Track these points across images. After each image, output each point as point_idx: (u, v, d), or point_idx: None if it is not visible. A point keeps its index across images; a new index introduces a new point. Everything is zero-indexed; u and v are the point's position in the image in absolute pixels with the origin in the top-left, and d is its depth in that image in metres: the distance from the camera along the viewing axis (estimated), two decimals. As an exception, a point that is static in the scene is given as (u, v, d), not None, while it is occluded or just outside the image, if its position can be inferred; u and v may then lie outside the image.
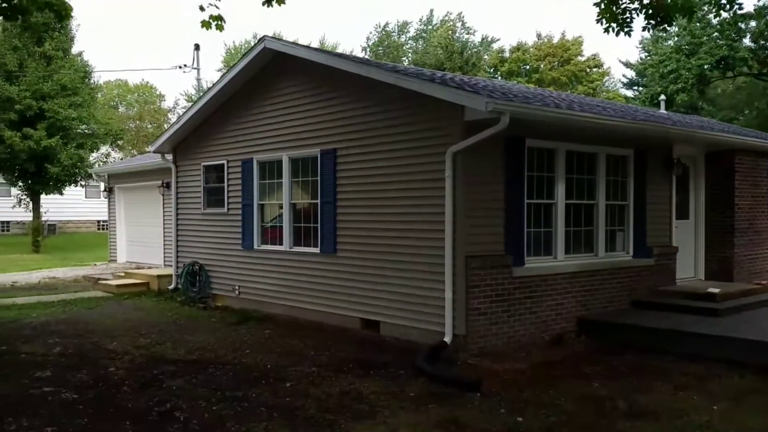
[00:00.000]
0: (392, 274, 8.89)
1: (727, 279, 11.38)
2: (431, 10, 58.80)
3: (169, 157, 13.49)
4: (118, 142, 29.39)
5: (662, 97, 16.68)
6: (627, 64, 41.97)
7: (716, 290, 9.84)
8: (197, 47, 29.19)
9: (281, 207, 10.75)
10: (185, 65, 28.00)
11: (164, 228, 16.84)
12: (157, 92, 52.47)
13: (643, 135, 9.74)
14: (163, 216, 16.83)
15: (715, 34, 24.01)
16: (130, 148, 38.54)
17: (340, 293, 9.69)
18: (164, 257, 16.87)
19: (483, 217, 8.22)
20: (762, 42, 23.11)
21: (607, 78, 44.98)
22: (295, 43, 9.92)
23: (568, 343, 8.66)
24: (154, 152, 13.62)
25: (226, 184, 11.93)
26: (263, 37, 10.44)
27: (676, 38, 42.08)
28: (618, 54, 73.00)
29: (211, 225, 12.39)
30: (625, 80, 40.90)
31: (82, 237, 30.89)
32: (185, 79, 78.07)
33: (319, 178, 9.98)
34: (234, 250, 11.76)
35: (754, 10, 23.34)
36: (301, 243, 10.48)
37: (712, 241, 11.67)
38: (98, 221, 33.42)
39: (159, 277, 13.51)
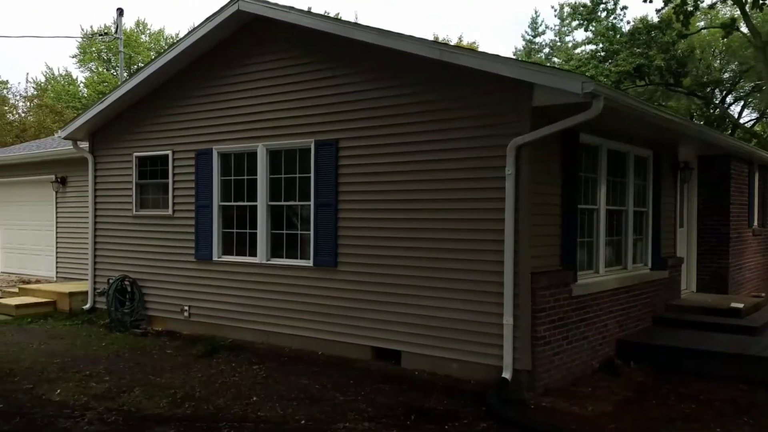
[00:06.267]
0: (421, 293, 7.23)
1: (720, 291, 10.81)
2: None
3: (84, 145, 10.91)
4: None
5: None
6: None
7: (740, 305, 9.16)
8: (121, 12, 24.07)
9: (254, 210, 8.72)
10: (105, 33, 23.75)
11: (58, 232, 14.04)
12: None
13: (672, 135, 8.83)
14: (57, 218, 14.04)
15: (625, 41, 24.49)
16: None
17: (342, 316, 7.87)
18: (57, 268, 14.07)
19: (544, 225, 6.83)
20: (671, 52, 23.81)
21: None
22: (287, 6, 7.95)
23: (622, 372, 7.46)
24: (65, 138, 10.93)
25: (171, 181, 9.63)
26: (237, -4, 8.39)
27: (547, 49, 42.93)
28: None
29: (147, 231, 9.99)
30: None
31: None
32: (34, 63, 69.36)
33: (312, 174, 8.09)
34: (183, 261, 9.49)
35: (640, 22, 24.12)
36: (283, 254, 8.52)
37: (704, 251, 11.08)
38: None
39: (71, 294, 10.83)
